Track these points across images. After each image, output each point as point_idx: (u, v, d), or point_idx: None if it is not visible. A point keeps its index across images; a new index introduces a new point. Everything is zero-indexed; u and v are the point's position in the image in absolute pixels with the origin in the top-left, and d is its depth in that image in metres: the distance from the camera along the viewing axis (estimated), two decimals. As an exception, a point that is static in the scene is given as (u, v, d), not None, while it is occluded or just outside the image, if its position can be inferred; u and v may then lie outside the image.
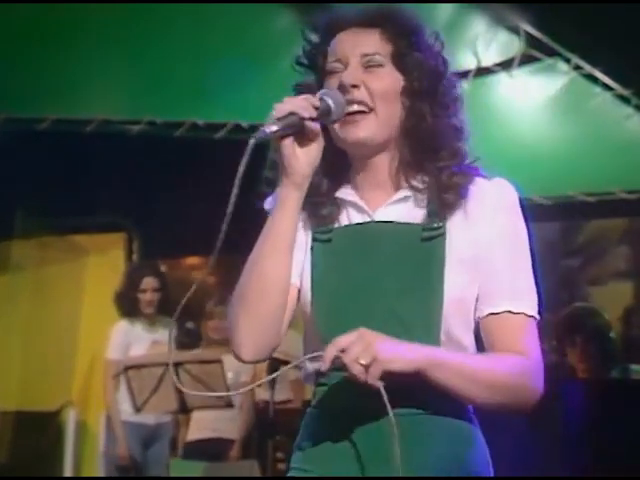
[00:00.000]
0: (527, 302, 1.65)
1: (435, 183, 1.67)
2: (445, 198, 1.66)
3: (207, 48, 4.42)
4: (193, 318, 5.55)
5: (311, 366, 1.70)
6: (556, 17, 4.22)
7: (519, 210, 1.69)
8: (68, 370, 6.80)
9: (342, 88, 1.65)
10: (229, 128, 5.34)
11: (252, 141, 1.54)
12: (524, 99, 5.01)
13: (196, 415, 5.15)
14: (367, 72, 1.66)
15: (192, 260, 7.40)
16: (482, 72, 4.68)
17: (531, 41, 4.47)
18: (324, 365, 1.48)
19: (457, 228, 1.65)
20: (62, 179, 5.81)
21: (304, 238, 1.70)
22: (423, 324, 1.61)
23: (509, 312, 1.63)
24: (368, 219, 1.68)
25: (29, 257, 6.89)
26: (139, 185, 6.10)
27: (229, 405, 4.68)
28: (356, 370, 1.46)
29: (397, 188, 1.70)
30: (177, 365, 4.52)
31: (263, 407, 4.88)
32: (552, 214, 6.04)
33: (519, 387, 1.61)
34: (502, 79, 4.77)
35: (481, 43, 4.51)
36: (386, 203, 1.68)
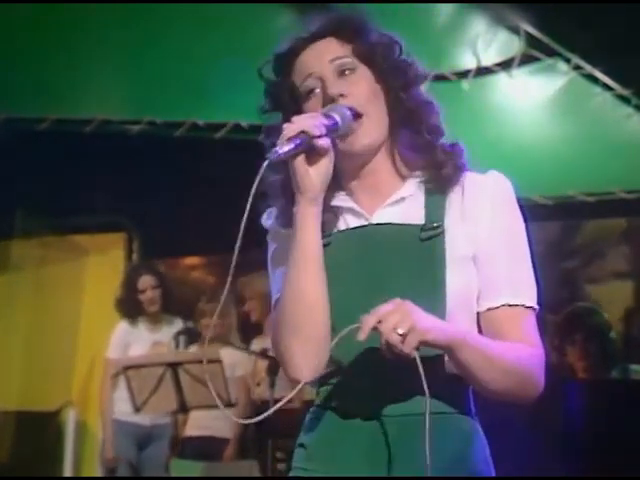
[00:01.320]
0: (526, 294, 1.68)
1: (431, 163, 1.69)
2: (444, 173, 1.68)
3: (207, 48, 4.41)
4: (192, 316, 5.56)
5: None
6: (556, 17, 4.21)
7: (515, 202, 1.71)
8: (68, 370, 6.80)
9: (329, 101, 1.67)
10: (229, 128, 5.34)
11: (265, 162, 1.55)
12: (524, 99, 5.00)
13: (194, 413, 5.15)
14: (345, 80, 1.68)
15: (192, 260, 7.40)
16: (482, 72, 4.68)
17: (531, 41, 4.47)
18: (362, 334, 1.48)
19: (455, 225, 1.67)
20: (62, 179, 5.81)
21: None
22: None
23: (507, 305, 1.66)
24: (365, 223, 1.70)
25: (29, 257, 6.89)
26: (139, 185, 6.10)
27: (229, 405, 4.68)
28: (393, 339, 1.47)
29: (392, 189, 1.71)
30: (177, 365, 4.52)
31: (262, 407, 4.87)
32: (552, 214, 6.04)
33: (528, 374, 1.64)
34: (502, 79, 4.77)
35: (481, 43, 4.51)
36: (383, 205, 1.70)
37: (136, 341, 5.36)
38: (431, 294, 1.62)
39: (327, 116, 1.62)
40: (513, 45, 4.54)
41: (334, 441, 1.64)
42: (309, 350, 1.61)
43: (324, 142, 1.60)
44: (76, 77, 4.65)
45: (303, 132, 1.57)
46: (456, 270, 1.64)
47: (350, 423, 1.63)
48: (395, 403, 1.61)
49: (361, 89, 1.68)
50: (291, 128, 1.58)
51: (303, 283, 1.62)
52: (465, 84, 4.64)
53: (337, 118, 1.62)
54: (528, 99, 5.00)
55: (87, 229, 6.92)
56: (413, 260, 1.64)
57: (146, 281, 5.42)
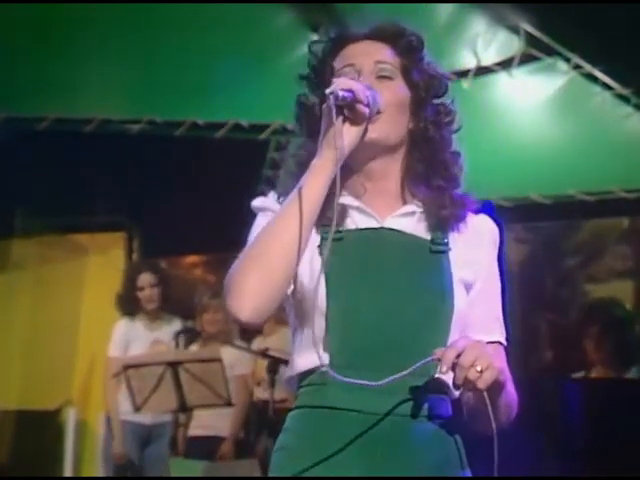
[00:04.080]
0: (501, 332, 1.76)
1: (434, 201, 1.72)
2: (442, 214, 1.71)
3: (207, 47, 4.42)
4: (192, 315, 5.55)
5: (294, 369, 1.70)
6: (556, 16, 4.22)
7: (499, 246, 1.80)
8: (68, 369, 6.80)
9: None
10: (229, 127, 5.34)
11: (331, 95, 1.56)
12: (524, 98, 5.01)
13: (196, 413, 5.15)
14: (379, 82, 1.70)
15: (192, 258, 7.40)
16: (482, 71, 4.69)
17: (531, 40, 4.47)
18: (444, 368, 1.50)
19: (457, 249, 1.71)
20: (62, 178, 5.81)
21: (310, 239, 1.68)
22: (432, 331, 1.64)
23: (498, 343, 1.73)
24: (377, 225, 1.71)
25: (29, 256, 6.89)
26: (139, 184, 6.10)
27: (229, 404, 4.68)
28: (472, 375, 1.49)
29: (402, 201, 1.74)
30: (177, 364, 4.53)
31: (262, 406, 4.88)
32: (552, 213, 6.04)
33: (514, 406, 1.70)
34: (502, 78, 4.77)
35: (481, 42, 4.51)
36: (393, 214, 1.72)
37: (136, 339, 5.36)
38: (440, 304, 1.65)
39: (369, 89, 1.64)
40: (513, 44, 4.54)
41: (317, 442, 1.62)
42: (265, 288, 1.59)
43: (365, 109, 1.62)
44: (76, 76, 4.65)
45: (353, 91, 1.59)
46: (459, 289, 1.69)
47: (333, 424, 1.61)
48: (386, 402, 1.61)
49: (389, 94, 1.69)
50: (344, 83, 1.60)
51: (292, 227, 1.60)
52: (465, 83, 4.64)
53: (375, 97, 1.64)
54: (528, 98, 5.01)
55: (87, 228, 6.92)
56: (423, 269, 1.67)
57: (145, 279, 5.43)
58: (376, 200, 1.73)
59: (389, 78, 1.71)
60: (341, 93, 1.57)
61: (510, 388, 1.66)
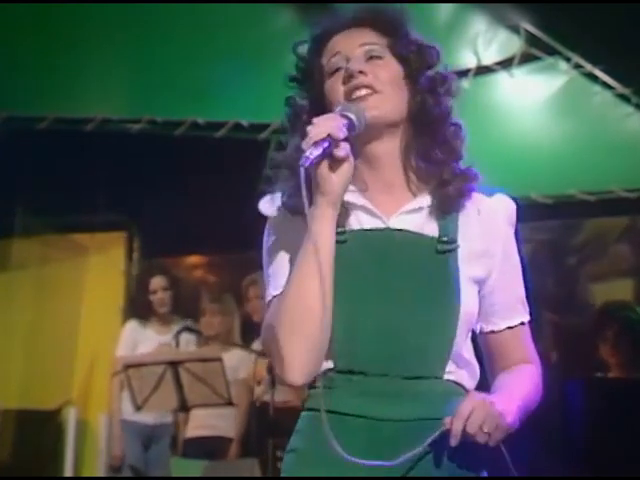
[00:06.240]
0: (525, 311, 1.76)
1: (438, 180, 1.69)
2: (446, 192, 1.68)
3: (208, 47, 4.42)
4: (193, 316, 5.56)
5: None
6: (556, 16, 4.21)
7: (515, 221, 1.77)
8: (68, 368, 6.80)
9: (348, 77, 1.67)
10: (229, 127, 5.34)
11: (302, 169, 1.54)
12: (524, 98, 5.00)
13: (194, 412, 5.15)
14: (370, 64, 1.69)
15: (193, 258, 7.40)
16: (482, 71, 4.68)
17: (531, 40, 4.47)
18: (454, 440, 1.50)
19: (468, 245, 1.68)
20: (62, 178, 5.81)
21: None
22: (439, 334, 1.63)
23: (522, 324, 1.75)
24: (382, 225, 1.69)
25: (30, 256, 6.89)
26: (139, 184, 6.10)
27: (229, 404, 4.68)
28: (481, 439, 1.50)
29: (409, 194, 1.71)
30: (177, 364, 4.53)
31: (263, 407, 4.88)
32: (552, 213, 6.04)
33: (538, 392, 1.73)
34: (502, 78, 4.77)
35: (481, 42, 4.51)
36: (399, 211, 1.69)
37: (144, 341, 5.35)
38: (446, 307, 1.63)
39: (344, 116, 1.62)
40: (513, 44, 4.54)
41: (326, 445, 1.59)
42: (306, 349, 1.59)
43: (343, 152, 1.59)
44: (76, 76, 4.65)
45: (329, 135, 1.57)
46: (467, 287, 1.66)
47: (343, 426, 1.60)
48: (392, 407, 1.60)
49: (383, 72, 1.69)
50: (316, 131, 1.57)
51: (312, 283, 1.59)
52: (465, 83, 4.63)
53: (352, 117, 1.62)
54: (528, 98, 5.00)
55: (87, 228, 6.92)
56: (429, 271, 1.65)
57: (157, 282, 5.43)
58: (381, 195, 1.70)
59: (379, 57, 1.70)
60: (312, 156, 1.54)
61: (530, 389, 1.68)
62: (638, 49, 4.12)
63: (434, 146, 1.70)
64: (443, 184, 1.69)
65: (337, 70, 1.70)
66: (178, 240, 6.53)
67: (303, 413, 1.70)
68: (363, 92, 1.66)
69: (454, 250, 1.67)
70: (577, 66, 4.64)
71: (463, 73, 4.62)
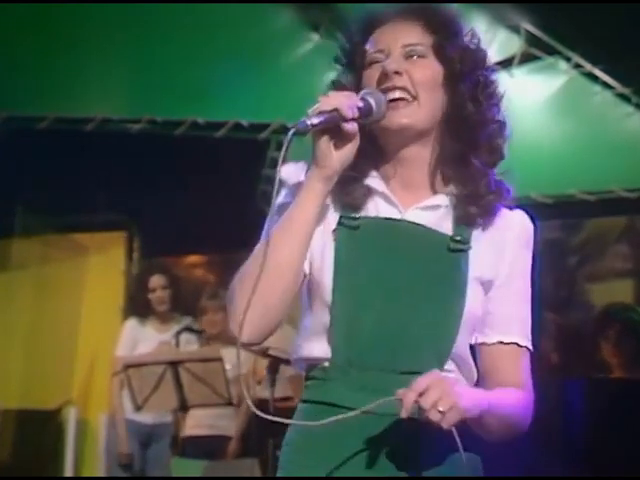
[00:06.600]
0: (529, 338, 1.70)
1: (469, 190, 1.67)
2: (474, 209, 1.66)
3: (208, 47, 4.42)
4: (193, 315, 5.56)
5: (298, 353, 1.68)
6: (556, 16, 4.22)
7: (532, 244, 1.73)
8: (69, 368, 6.80)
9: (384, 76, 1.64)
10: (229, 126, 5.34)
11: (292, 131, 1.52)
12: (524, 98, 5.00)
13: (192, 412, 5.14)
14: (409, 62, 1.66)
15: (193, 258, 7.40)
16: (482, 71, 4.68)
17: (531, 40, 4.47)
18: (404, 413, 1.45)
19: (480, 248, 1.66)
20: (63, 177, 5.81)
21: (327, 221, 1.67)
22: (441, 332, 1.62)
23: (517, 345, 1.68)
24: (398, 216, 1.67)
25: (30, 255, 6.89)
26: (139, 183, 6.10)
27: (229, 404, 4.68)
28: (434, 416, 1.44)
29: (430, 192, 1.69)
30: (178, 363, 4.53)
31: (263, 405, 4.88)
32: (552, 213, 6.04)
33: (523, 420, 1.67)
34: (502, 78, 4.76)
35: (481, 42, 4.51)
36: (417, 206, 1.67)
37: (144, 340, 5.35)
38: (450, 305, 1.62)
39: (363, 99, 1.60)
40: (513, 44, 4.54)
41: (323, 437, 1.61)
42: (261, 310, 1.58)
43: (351, 127, 1.57)
44: (77, 76, 4.66)
45: (336, 110, 1.55)
46: (474, 289, 1.64)
47: (352, 427, 1.58)
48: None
49: (420, 73, 1.65)
50: (325, 102, 1.56)
51: (285, 250, 1.59)
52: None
53: (372, 103, 1.60)
54: (528, 98, 5.00)
55: (87, 228, 6.93)
56: (439, 267, 1.63)
57: (156, 280, 5.43)
58: (403, 187, 1.69)
59: (420, 57, 1.66)
60: (309, 121, 1.53)
61: (507, 405, 1.61)
62: (638, 49, 4.12)
63: (470, 152, 1.67)
64: (474, 198, 1.66)
65: (376, 62, 1.68)
66: (178, 240, 6.53)
67: (298, 406, 1.69)
68: (397, 94, 1.63)
69: (466, 250, 1.64)
70: (577, 66, 4.64)
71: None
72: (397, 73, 1.64)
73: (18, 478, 6.33)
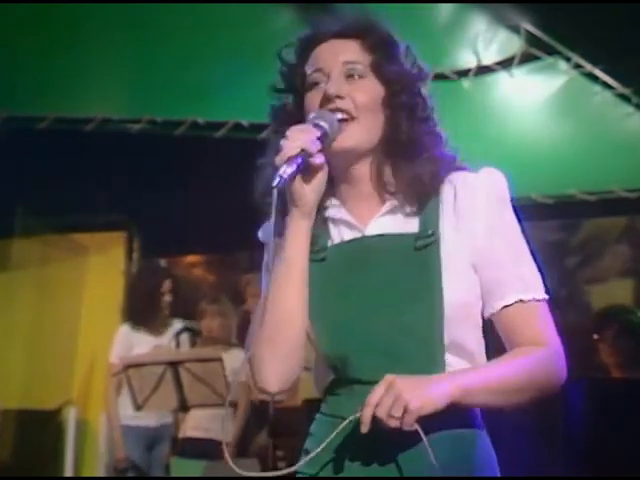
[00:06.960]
0: (535, 286, 1.68)
1: (407, 184, 1.68)
2: (417, 180, 1.66)
3: (208, 47, 4.41)
4: (193, 316, 5.55)
5: (322, 373, 1.72)
6: (556, 16, 4.21)
7: (508, 198, 1.71)
8: (69, 368, 6.80)
9: (325, 99, 1.67)
10: (229, 127, 5.34)
11: (275, 192, 1.55)
12: (524, 98, 5.00)
13: (192, 413, 5.14)
14: (350, 83, 1.68)
15: (192, 258, 7.41)
16: (482, 71, 4.68)
17: (531, 40, 4.47)
18: (364, 428, 1.49)
19: (451, 231, 1.66)
20: (62, 177, 5.81)
21: None
22: (426, 332, 1.62)
23: (520, 301, 1.65)
24: (359, 235, 1.70)
25: (30, 256, 6.89)
26: (139, 183, 6.10)
27: (230, 404, 4.68)
28: (392, 424, 1.48)
29: (382, 199, 1.70)
30: (177, 364, 4.53)
31: (262, 406, 4.88)
32: (552, 213, 6.04)
33: (543, 379, 1.63)
34: (502, 78, 4.77)
35: (481, 42, 4.51)
36: (376, 216, 1.70)
37: (139, 344, 5.32)
38: (428, 303, 1.61)
39: (316, 125, 1.62)
40: (513, 44, 4.53)
41: (338, 449, 1.64)
42: (279, 360, 1.63)
43: (319, 161, 1.61)
44: (76, 76, 4.65)
45: (303, 150, 1.57)
46: (454, 278, 1.63)
47: (355, 432, 1.59)
48: None
49: (361, 95, 1.67)
50: (289, 146, 1.58)
51: (284, 295, 1.63)
52: (465, 83, 4.64)
53: (326, 126, 1.62)
54: (528, 98, 5.00)
55: (87, 228, 6.93)
56: (408, 270, 1.64)
57: (167, 285, 5.43)
58: (359, 204, 1.72)
59: (360, 77, 1.68)
60: (286, 175, 1.55)
61: (503, 372, 1.59)
62: (638, 49, 4.12)
63: (404, 165, 1.68)
64: (417, 183, 1.67)
65: (317, 84, 1.70)
66: (177, 240, 6.53)
67: (317, 415, 1.73)
68: (339, 116, 1.65)
69: (434, 243, 1.64)
70: (577, 66, 4.64)
71: (463, 73, 4.62)
72: (339, 97, 1.66)
73: (18, 478, 6.33)
